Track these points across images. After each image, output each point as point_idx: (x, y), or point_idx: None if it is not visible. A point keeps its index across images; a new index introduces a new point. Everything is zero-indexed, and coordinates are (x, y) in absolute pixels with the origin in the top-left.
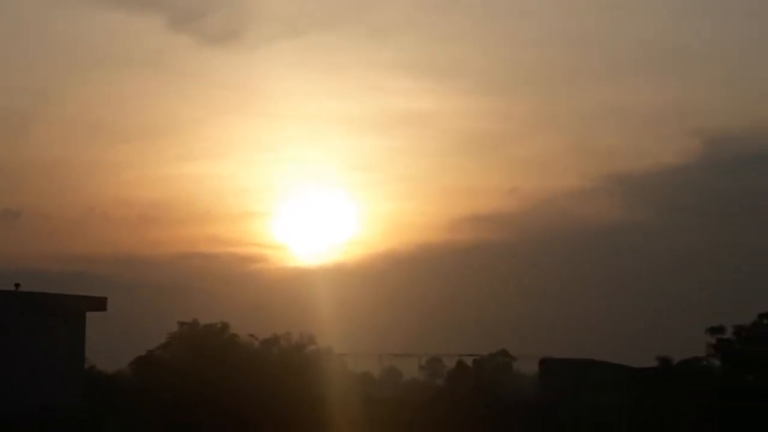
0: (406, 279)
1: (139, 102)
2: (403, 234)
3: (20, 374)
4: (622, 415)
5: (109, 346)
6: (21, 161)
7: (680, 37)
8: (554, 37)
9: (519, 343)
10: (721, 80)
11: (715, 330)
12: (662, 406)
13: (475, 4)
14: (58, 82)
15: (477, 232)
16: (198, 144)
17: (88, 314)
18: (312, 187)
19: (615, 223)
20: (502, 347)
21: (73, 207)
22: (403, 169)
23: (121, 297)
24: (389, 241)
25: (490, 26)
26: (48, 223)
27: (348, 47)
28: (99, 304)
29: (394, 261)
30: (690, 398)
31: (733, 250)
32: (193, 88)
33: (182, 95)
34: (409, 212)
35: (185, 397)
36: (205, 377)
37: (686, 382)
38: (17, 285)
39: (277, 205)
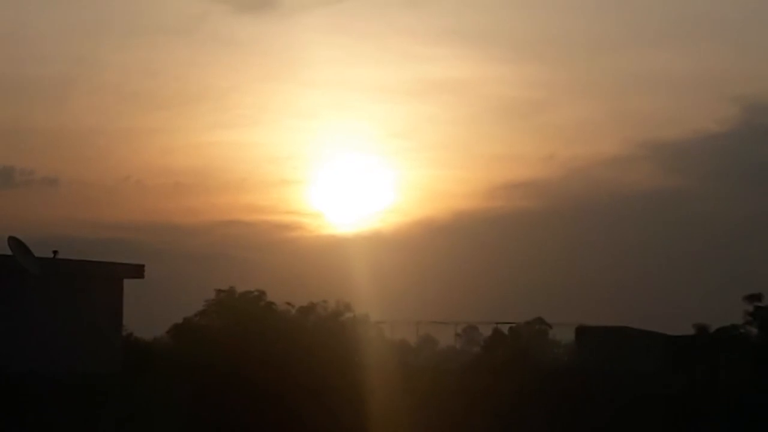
0: (442, 247)
1: (175, 69)
2: (439, 202)
3: (59, 341)
4: (658, 383)
5: (147, 314)
6: (57, 129)
7: (721, 3)
8: (591, 3)
9: (555, 311)
10: (759, 47)
11: (752, 297)
12: (699, 374)
13: None
14: (94, 50)
15: (513, 200)
16: (233, 111)
17: (126, 282)
18: (348, 154)
19: (652, 190)
20: (538, 315)
21: (109, 174)
22: (439, 136)
23: (158, 265)
24: (425, 208)
25: None
26: (85, 191)
27: (383, 14)
28: (137, 271)
29: (430, 229)
30: (727, 366)
31: None
32: (229, 56)
33: (217, 62)
34: (445, 180)
35: (222, 364)
36: (242, 344)
37: (723, 349)
38: (55, 252)
39: (313, 172)
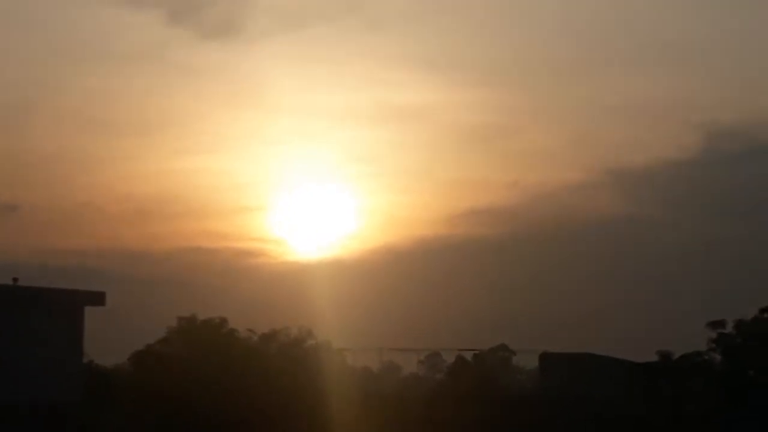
0: (405, 273)
1: (137, 96)
2: (401, 228)
3: (18, 369)
4: (621, 409)
5: (108, 341)
6: (18, 155)
7: (682, 31)
8: (554, 30)
9: (518, 338)
10: (722, 74)
11: (716, 324)
12: (662, 401)
13: None
14: (56, 76)
15: (476, 226)
16: (195, 138)
17: (87, 309)
18: (310, 181)
19: (616, 217)
20: (501, 342)
21: (70, 201)
22: (402, 162)
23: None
24: (387, 235)
25: (489, 19)
26: (45, 217)
27: (346, 40)
28: (97, 298)
29: (392, 255)
30: (690, 392)
31: (734, 245)
32: (191, 82)
33: (180, 89)
34: (407, 206)
35: (184, 391)
36: (204, 372)
37: (687, 376)
38: (15, 279)
39: (275, 199)
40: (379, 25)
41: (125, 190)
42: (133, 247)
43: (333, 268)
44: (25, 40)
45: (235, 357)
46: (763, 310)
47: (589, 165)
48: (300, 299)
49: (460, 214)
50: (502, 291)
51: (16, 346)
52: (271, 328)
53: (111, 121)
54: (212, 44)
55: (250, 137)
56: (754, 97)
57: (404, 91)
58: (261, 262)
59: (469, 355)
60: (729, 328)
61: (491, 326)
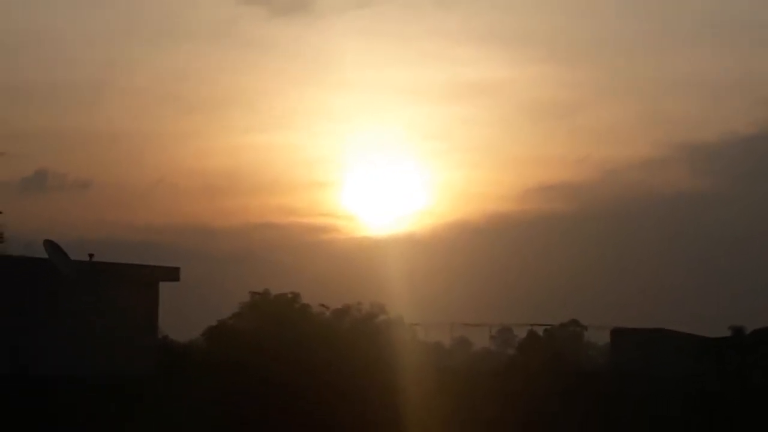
0: (476, 249)
1: (208, 73)
2: (472, 204)
3: (95, 344)
4: (693, 385)
5: (182, 316)
6: (91, 133)
7: (751, 6)
8: (623, 5)
9: (590, 313)
10: None
11: None
12: (734, 375)
13: None
14: (127, 54)
15: (546, 202)
16: (266, 114)
17: (161, 284)
18: (381, 156)
19: (686, 192)
20: (572, 317)
21: (142, 178)
22: (472, 138)
23: (193, 267)
24: (459, 210)
25: None
26: (118, 194)
27: (415, 16)
28: (172, 274)
29: (463, 231)
30: (763, 367)
31: None
32: (262, 59)
33: (251, 66)
34: (478, 182)
35: (257, 366)
36: (277, 347)
37: (759, 351)
38: (91, 255)
39: (346, 175)
40: (448, 2)
41: (197, 166)
42: (205, 222)
43: (405, 244)
44: (97, 19)
45: (307, 332)
46: None
47: (658, 140)
48: (372, 275)
49: (530, 190)
50: (573, 266)
51: (93, 322)
52: (343, 304)
53: (182, 98)
54: (282, 21)
55: (320, 113)
56: None
57: (474, 68)
58: (332, 238)
59: (540, 331)
60: None
61: (562, 301)
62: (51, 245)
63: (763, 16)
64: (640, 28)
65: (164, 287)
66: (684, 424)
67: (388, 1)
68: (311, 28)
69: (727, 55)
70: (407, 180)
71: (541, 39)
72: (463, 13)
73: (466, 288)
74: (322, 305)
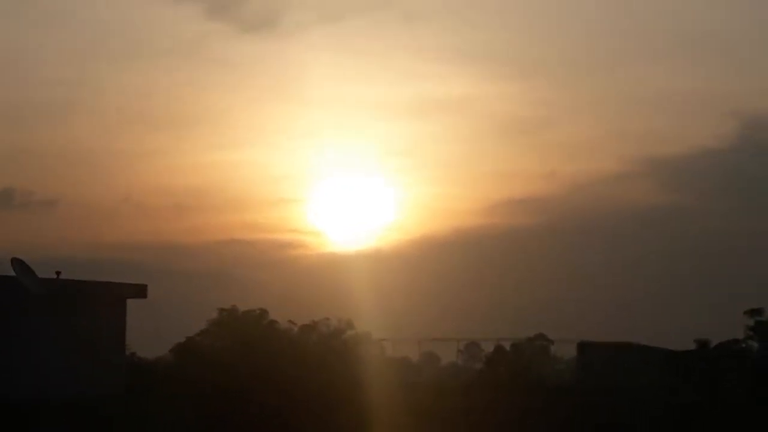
0: (443, 264)
1: (175, 91)
2: (439, 219)
3: (62, 362)
4: (659, 398)
5: (150, 333)
6: (57, 151)
7: (717, 20)
8: (590, 21)
9: (556, 327)
10: (758, 63)
11: (753, 312)
12: (700, 389)
13: None
14: (95, 72)
15: (513, 217)
16: (233, 131)
17: (129, 301)
18: (347, 172)
19: (653, 206)
20: (539, 331)
21: (109, 195)
22: (439, 154)
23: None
24: (426, 226)
25: (524, 10)
26: (85, 212)
27: (383, 32)
28: (139, 291)
29: (430, 246)
30: (728, 381)
31: None
32: (229, 76)
33: (218, 83)
34: (445, 197)
35: (225, 382)
36: (245, 363)
37: (724, 364)
38: (58, 273)
39: (313, 191)
40: (416, 17)
41: (164, 183)
42: (172, 240)
43: (372, 259)
44: (63, 38)
45: (275, 348)
46: None
47: (625, 155)
48: (339, 290)
49: (497, 205)
50: (539, 281)
51: (60, 340)
52: (310, 320)
53: (149, 116)
54: (249, 38)
55: (288, 130)
56: None
57: (441, 84)
58: (299, 254)
59: (507, 345)
60: (766, 316)
61: (529, 316)
62: (18, 263)
63: (728, 31)
64: (606, 44)
65: (132, 304)
66: None
67: (355, 17)
68: (278, 44)
69: (693, 70)
70: (374, 196)
71: (508, 55)
72: (430, 30)
73: (433, 303)
74: (290, 321)
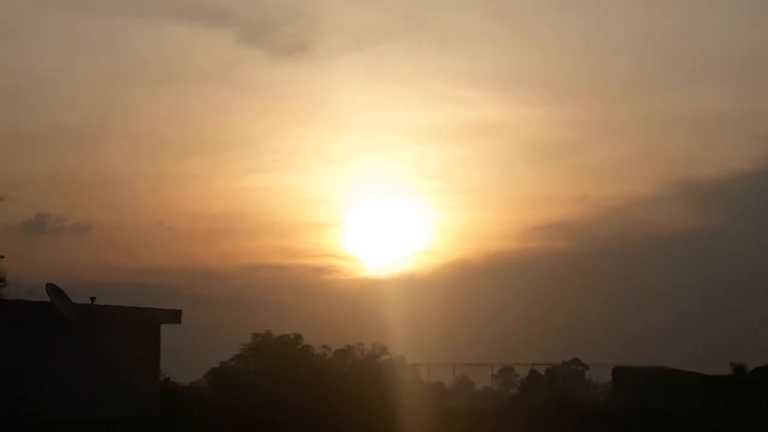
0: (477, 288)
1: (208, 115)
2: (473, 243)
3: (97, 387)
4: (696, 424)
5: (184, 359)
6: (90, 176)
7: (750, 43)
8: (621, 44)
9: (591, 352)
10: None
11: None
12: (736, 414)
13: (541, 13)
14: (126, 98)
15: (547, 241)
16: (266, 156)
17: (163, 326)
18: (381, 197)
19: (686, 229)
20: (574, 356)
21: (142, 220)
22: (472, 178)
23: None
24: (460, 250)
25: (556, 35)
26: (118, 237)
27: (415, 58)
28: (174, 316)
29: (465, 270)
30: (764, 406)
31: None
32: (262, 101)
33: (251, 108)
34: (479, 221)
35: (259, 408)
36: (280, 389)
37: (761, 389)
38: (93, 298)
39: (347, 215)
40: (447, 42)
41: (197, 209)
42: (206, 265)
43: (406, 284)
44: (96, 64)
45: (309, 373)
46: None
47: (658, 178)
48: (373, 315)
49: (531, 229)
50: (574, 305)
51: (95, 365)
52: (345, 344)
53: (182, 141)
54: (282, 63)
55: (321, 155)
56: None
57: (473, 108)
58: (334, 279)
59: (542, 370)
60: None
61: (563, 340)
62: (53, 289)
63: (761, 52)
64: (638, 67)
65: (166, 329)
66: None
67: (388, 42)
68: (311, 69)
69: (725, 93)
70: (408, 220)
71: (540, 79)
72: (463, 55)
73: (467, 327)
74: (324, 346)
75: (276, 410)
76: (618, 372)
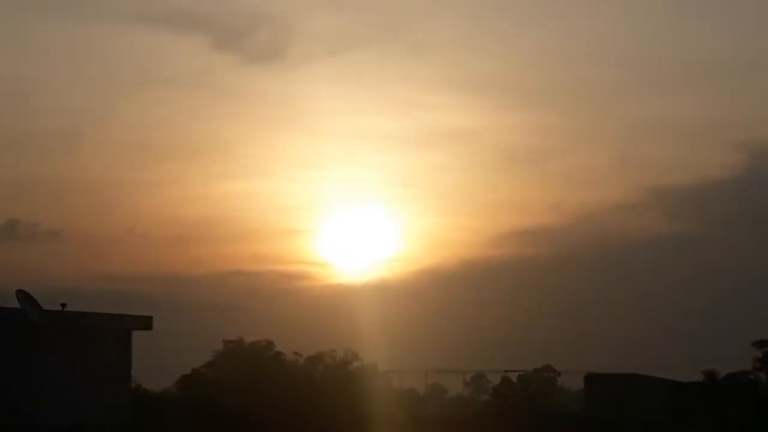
0: (449, 295)
1: (180, 121)
2: (445, 250)
3: (67, 394)
4: (667, 430)
5: (155, 365)
6: (62, 182)
7: (723, 50)
8: (595, 51)
9: (563, 359)
10: (765, 92)
11: (761, 343)
12: (708, 421)
13: (513, 19)
14: (100, 102)
15: (519, 248)
16: (239, 162)
17: (134, 333)
18: (354, 203)
19: (659, 236)
20: (546, 362)
21: (114, 226)
22: (445, 184)
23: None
24: (432, 256)
25: (530, 41)
26: (90, 243)
27: (389, 64)
28: (145, 323)
29: (437, 277)
30: (736, 412)
31: None
32: (235, 107)
33: (223, 114)
34: (450, 228)
35: (231, 414)
36: (251, 395)
37: (732, 395)
38: (63, 305)
39: (319, 222)
40: (420, 49)
41: (169, 214)
42: (178, 271)
43: (378, 290)
44: (69, 68)
45: (281, 379)
46: None
47: (632, 185)
48: (345, 321)
49: (503, 236)
50: (546, 311)
51: (66, 372)
52: (317, 351)
53: (154, 146)
54: (256, 69)
55: (294, 161)
56: None
57: (446, 115)
58: (306, 285)
59: (514, 376)
60: None
61: (536, 347)
62: (23, 295)
63: (735, 60)
64: (612, 74)
65: (137, 336)
66: None
67: (361, 49)
68: (284, 75)
69: (700, 99)
70: (380, 227)
71: (513, 86)
72: (436, 61)
73: (439, 334)
74: (296, 353)
75: (247, 417)
76: (590, 379)
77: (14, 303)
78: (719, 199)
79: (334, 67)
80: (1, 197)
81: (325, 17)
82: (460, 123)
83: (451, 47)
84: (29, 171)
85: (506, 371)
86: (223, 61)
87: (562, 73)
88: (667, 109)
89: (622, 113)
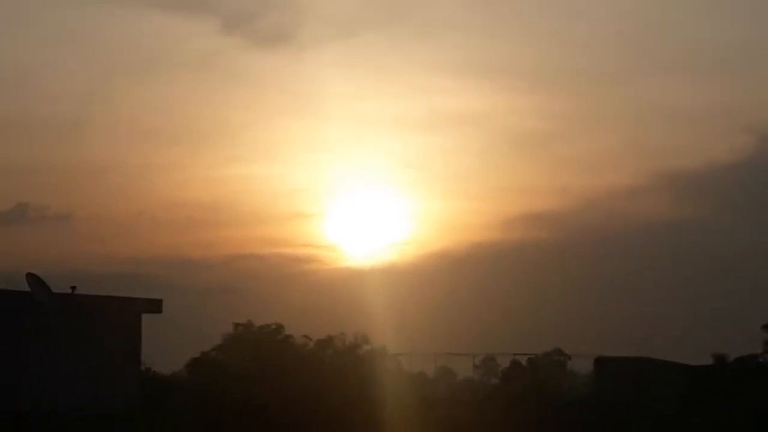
0: (459, 278)
1: (189, 105)
2: (455, 233)
3: (77, 377)
4: (677, 413)
5: (165, 348)
6: (71, 165)
7: (732, 34)
8: (604, 35)
9: (573, 342)
10: None
11: None
12: (718, 404)
13: (522, 2)
14: (109, 86)
15: (529, 231)
16: (248, 146)
17: (144, 316)
18: (363, 187)
19: (668, 220)
20: (556, 346)
21: (123, 210)
22: (454, 168)
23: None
24: (441, 240)
25: (538, 24)
26: (99, 226)
27: (398, 48)
28: (155, 306)
29: (446, 260)
30: (746, 395)
31: None
32: (244, 91)
33: (232, 97)
34: (460, 211)
35: (240, 397)
36: (261, 378)
37: (742, 379)
38: (73, 288)
39: (329, 205)
40: (429, 32)
41: (179, 198)
42: (187, 254)
43: (387, 274)
44: (78, 51)
45: (291, 363)
46: None
47: (641, 169)
48: (355, 305)
49: (512, 219)
50: (555, 295)
51: (76, 354)
52: (326, 334)
53: (164, 130)
54: (264, 52)
55: (303, 144)
56: None
57: (455, 98)
58: (315, 268)
59: (523, 360)
60: None
61: (545, 330)
62: (33, 278)
63: (745, 44)
64: (620, 57)
65: (147, 319)
66: None
67: (370, 32)
68: (293, 59)
69: (709, 84)
70: (389, 210)
71: (521, 69)
72: (445, 44)
73: (449, 317)
74: (306, 336)
75: (257, 400)
76: (600, 362)
77: (24, 286)
78: (727, 183)
79: (343, 51)
80: (11, 181)
81: (334, 1)
82: (468, 107)
83: (460, 31)
84: (39, 155)
85: (516, 355)
86: (232, 45)
87: (571, 57)
88: (676, 93)
89: (631, 97)
